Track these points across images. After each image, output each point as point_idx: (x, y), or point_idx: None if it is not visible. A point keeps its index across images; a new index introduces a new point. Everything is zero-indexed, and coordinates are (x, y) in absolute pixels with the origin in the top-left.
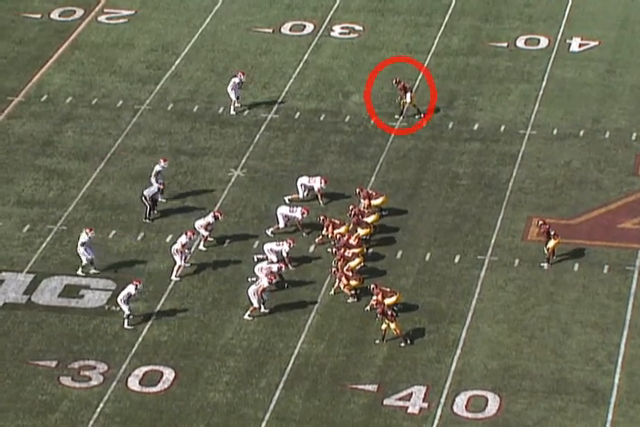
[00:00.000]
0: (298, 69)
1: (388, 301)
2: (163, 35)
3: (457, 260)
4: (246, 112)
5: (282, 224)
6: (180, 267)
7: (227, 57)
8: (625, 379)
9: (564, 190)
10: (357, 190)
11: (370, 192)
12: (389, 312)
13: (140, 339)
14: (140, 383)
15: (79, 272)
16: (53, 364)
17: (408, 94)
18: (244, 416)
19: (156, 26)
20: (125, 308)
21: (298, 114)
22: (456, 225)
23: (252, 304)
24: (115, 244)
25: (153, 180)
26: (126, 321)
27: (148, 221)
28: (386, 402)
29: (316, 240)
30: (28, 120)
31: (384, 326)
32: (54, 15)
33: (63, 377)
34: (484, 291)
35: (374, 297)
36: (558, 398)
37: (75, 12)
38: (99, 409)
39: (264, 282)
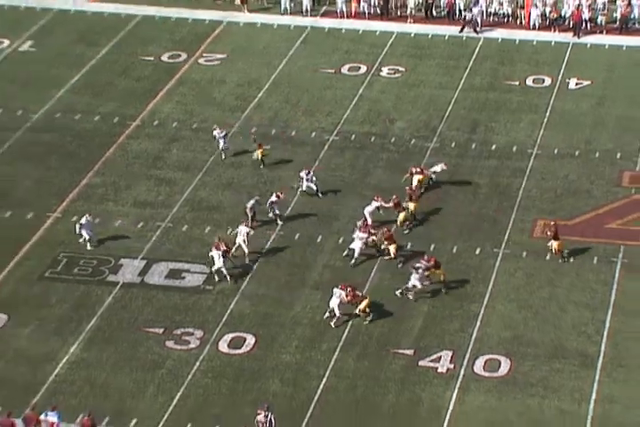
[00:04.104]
0: (354, 101)
1: (361, 305)
2: (248, 73)
3: (477, 252)
4: (313, 134)
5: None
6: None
7: (298, 91)
8: (609, 348)
9: (563, 198)
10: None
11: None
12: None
13: (229, 311)
14: (227, 346)
15: (88, 247)
16: (160, 331)
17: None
18: (308, 373)
19: (243, 66)
20: (220, 262)
21: (353, 136)
22: (477, 224)
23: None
24: (208, 237)
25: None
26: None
27: (251, 229)
28: (420, 363)
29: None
30: (143, 140)
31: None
32: (164, 58)
33: (168, 341)
34: (498, 277)
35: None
36: (556, 361)
37: (180, 55)
38: (195, 367)
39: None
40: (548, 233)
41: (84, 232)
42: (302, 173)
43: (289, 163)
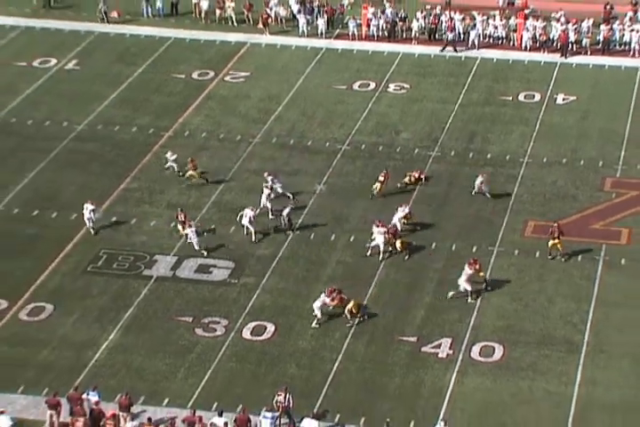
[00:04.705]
0: (364, 114)
1: (349, 305)
2: (269, 89)
3: (474, 249)
4: (327, 144)
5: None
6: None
7: (314, 106)
8: (592, 336)
9: (551, 201)
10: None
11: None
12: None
13: (251, 303)
14: (250, 334)
15: (92, 232)
16: (190, 319)
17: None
18: (323, 358)
19: (264, 83)
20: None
21: (363, 146)
22: (474, 225)
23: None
24: (233, 236)
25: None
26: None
27: (290, 232)
28: (423, 349)
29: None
30: (175, 149)
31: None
32: (194, 75)
33: (197, 329)
34: (492, 272)
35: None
36: (545, 348)
37: (208, 73)
38: (221, 352)
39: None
40: (554, 233)
41: (91, 215)
42: (268, 177)
43: (306, 170)
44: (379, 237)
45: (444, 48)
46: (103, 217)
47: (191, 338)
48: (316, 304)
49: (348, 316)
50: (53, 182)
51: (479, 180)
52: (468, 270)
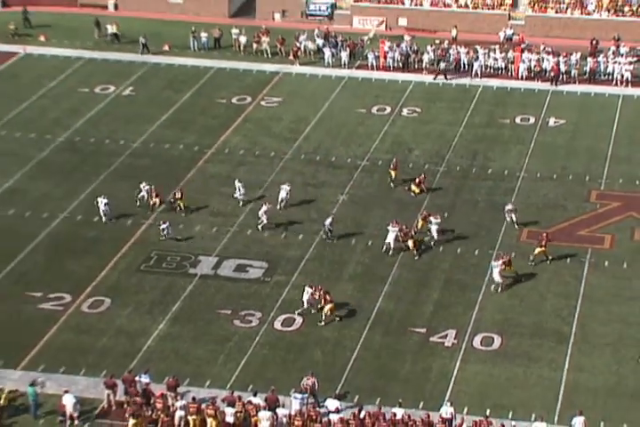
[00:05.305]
0: (380, 135)
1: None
2: (299, 112)
3: (476, 253)
4: (349, 160)
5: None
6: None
7: (337, 127)
8: (579, 328)
9: (544, 211)
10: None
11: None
12: (328, 298)
13: (282, 298)
14: (281, 325)
15: (103, 220)
16: (229, 312)
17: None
18: (344, 346)
19: (295, 107)
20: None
21: (380, 162)
22: (476, 231)
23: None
24: (267, 239)
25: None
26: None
27: (329, 241)
28: (431, 339)
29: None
30: (216, 164)
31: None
32: (234, 100)
33: (235, 320)
34: (492, 272)
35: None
36: (537, 338)
37: (246, 98)
38: (255, 341)
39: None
40: (542, 241)
41: (106, 207)
42: (237, 183)
43: (330, 182)
44: (390, 235)
45: (436, 76)
46: (154, 223)
47: (230, 328)
48: (305, 297)
49: (324, 316)
50: (111, 193)
51: (508, 207)
52: (497, 265)
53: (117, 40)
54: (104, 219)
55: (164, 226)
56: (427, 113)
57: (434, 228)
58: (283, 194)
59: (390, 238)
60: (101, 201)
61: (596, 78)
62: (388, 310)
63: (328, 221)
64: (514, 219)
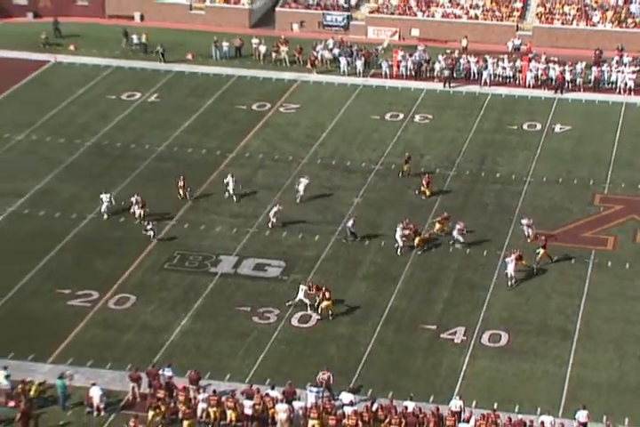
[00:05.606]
0: (394, 140)
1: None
2: (316, 119)
3: (485, 253)
4: (363, 164)
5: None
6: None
7: (352, 132)
8: (583, 325)
9: (550, 213)
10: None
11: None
12: (327, 295)
13: (298, 296)
14: (298, 322)
15: (104, 216)
16: (248, 309)
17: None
18: (358, 342)
19: (312, 113)
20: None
21: (393, 166)
22: (485, 233)
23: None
24: (285, 240)
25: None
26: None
27: (351, 242)
28: (441, 336)
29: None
30: (237, 167)
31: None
32: (254, 107)
33: (254, 317)
34: (500, 272)
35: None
36: (543, 335)
37: (266, 105)
38: (273, 336)
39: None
40: (540, 244)
41: (107, 204)
42: (229, 178)
43: (345, 186)
44: (398, 232)
45: (444, 84)
46: (178, 223)
47: (249, 324)
48: (300, 294)
49: (319, 311)
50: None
51: (524, 221)
52: (511, 260)
53: (146, 50)
54: (105, 215)
55: (148, 227)
56: (438, 119)
57: (456, 232)
58: (301, 186)
59: (397, 235)
60: (105, 197)
61: (601, 87)
62: (401, 307)
63: (350, 222)
64: (530, 233)
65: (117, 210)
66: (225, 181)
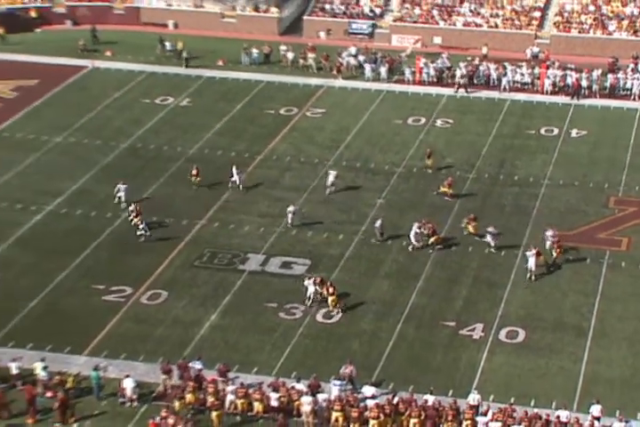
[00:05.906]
0: (416, 144)
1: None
2: (340, 122)
3: (503, 253)
4: (386, 167)
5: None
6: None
7: (376, 136)
8: (597, 323)
9: (566, 215)
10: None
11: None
12: (331, 290)
13: (309, 291)
14: (322, 317)
15: (121, 206)
16: (275, 305)
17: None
18: (381, 338)
19: (337, 118)
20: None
21: (415, 169)
22: (503, 233)
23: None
24: (310, 239)
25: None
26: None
27: (378, 242)
28: (460, 332)
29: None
30: (265, 169)
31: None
32: (282, 111)
33: (280, 313)
34: (517, 271)
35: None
36: (559, 333)
37: (293, 109)
38: (299, 331)
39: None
40: (555, 246)
41: (121, 194)
42: (234, 170)
43: (369, 187)
44: (413, 230)
45: (465, 90)
46: (208, 223)
47: (275, 320)
48: (310, 290)
49: (330, 306)
50: (169, 195)
51: (548, 233)
52: (531, 254)
53: (180, 56)
54: (122, 205)
55: (141, 226)
56: (458, 124)
57: (489, 236)
58: (330, 179)
59: (411, 233)
60: (121, 187)
61: (616, 93)
62: (421, 304)
63: (378, 223)
64: (551, 245)
65: (153, 212)
66: (233, 171)
